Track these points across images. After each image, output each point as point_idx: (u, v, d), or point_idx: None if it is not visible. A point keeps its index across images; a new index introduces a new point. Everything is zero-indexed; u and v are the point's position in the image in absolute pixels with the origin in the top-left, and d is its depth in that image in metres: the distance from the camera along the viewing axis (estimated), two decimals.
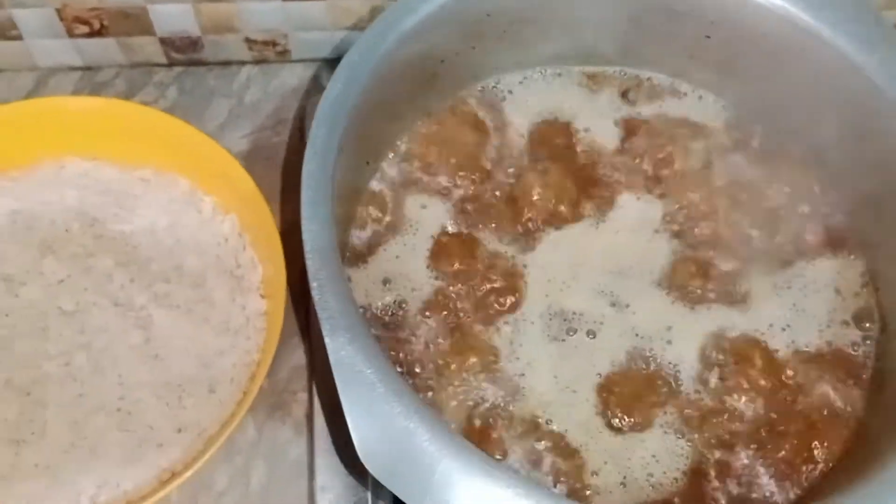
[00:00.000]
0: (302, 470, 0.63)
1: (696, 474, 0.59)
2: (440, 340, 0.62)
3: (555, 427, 0.61)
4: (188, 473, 0.56)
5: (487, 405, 0.60)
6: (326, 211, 0.53)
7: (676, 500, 0.58)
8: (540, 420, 0.61)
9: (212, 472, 0.63)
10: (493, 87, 0.73)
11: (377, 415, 0.48)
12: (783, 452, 0.59)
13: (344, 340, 0.49)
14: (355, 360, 0.49)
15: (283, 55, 0.79)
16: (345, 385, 0.48)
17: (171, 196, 0.69)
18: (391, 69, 0.61)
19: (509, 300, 0.64)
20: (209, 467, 0.62)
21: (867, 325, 0.64)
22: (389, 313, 0.64)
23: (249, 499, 0.63)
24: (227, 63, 0.80)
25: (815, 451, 0.59)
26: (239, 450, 0.64)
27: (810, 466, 0.59)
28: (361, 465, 0.60)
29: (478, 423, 0.60)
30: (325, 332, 0.49)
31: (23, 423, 0.59)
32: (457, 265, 0.65)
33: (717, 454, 0.60)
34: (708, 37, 0.67)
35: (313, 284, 0.51)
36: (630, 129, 0.71)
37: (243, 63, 0.80)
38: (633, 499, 0.59)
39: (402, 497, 0.47)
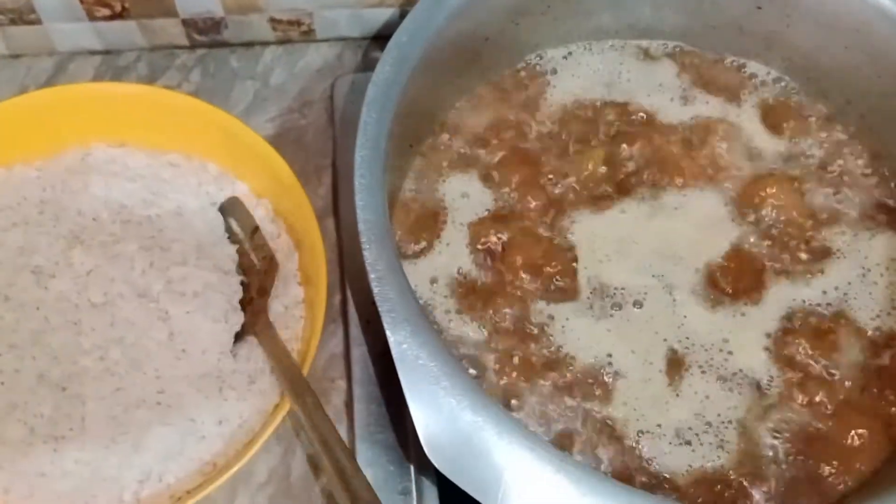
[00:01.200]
0: None
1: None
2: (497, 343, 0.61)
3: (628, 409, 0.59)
4: (236, 467, 0.55)
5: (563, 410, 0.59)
6: (381, 199, 0.52)
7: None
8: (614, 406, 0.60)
9: (251, 463, 0.61)
10: (538, 62, 0.71)
11: (443, 410, 0.47)
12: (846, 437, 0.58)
13: (406, 333, 0.48)
14: (419, 354, 0.48)
15: (308, 35, 0.78)
16: (409, 379, 0.47)
17: (202, 180, 0.67)
18: (438, 49, 0.60)
19: (562, 285, 0.63)
20: (249, 460, 0.61)
21: None
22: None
23: (290, 489, 0.62)
24: (250, 44, 0.79)
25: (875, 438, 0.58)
26: (278, 440, 0.63)
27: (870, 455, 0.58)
28: (406, 453, 0.60)
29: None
30: (386, 326, 0.48)
31: (60, 419, 0.58)
32: (507, 258, 0.63)
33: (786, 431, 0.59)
34: (760, 7, 0.66)
35: (372, 276, 0.49)
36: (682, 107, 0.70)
37: (267, 44, 0.79)
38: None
39: (470, 492, 0.46)
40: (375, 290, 0.49)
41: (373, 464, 0.61)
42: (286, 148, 0.72)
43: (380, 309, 0.48)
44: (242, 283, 0.64)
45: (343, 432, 0.63)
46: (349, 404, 0.64)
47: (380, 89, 0.56)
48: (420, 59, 0.58)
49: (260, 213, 0.67)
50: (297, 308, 0.64)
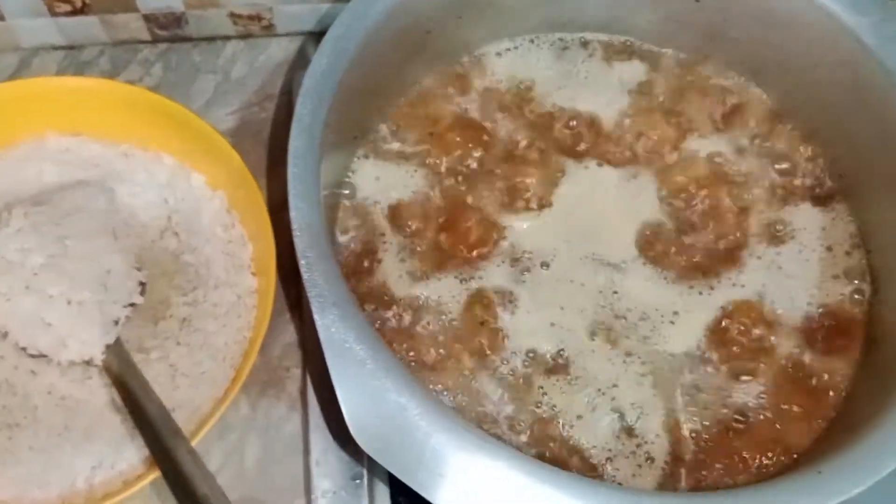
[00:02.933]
0: (297, 446, 0.63)
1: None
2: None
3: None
4: None
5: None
6: (314, 188, 0.53)
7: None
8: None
9: (206, 451, 0.63)
10: (481, 55, 0.72)
11: (368, 391, 0.48)
12: (774, 418, 0.59)
13: (333, 317, 0.49)
14: (345, 337, 0.49)
15: (269, 29, 0.79)
16: (335, 362, 0.48)
17: (156, 171, 0.68)
18: (377, 41, 0.61)
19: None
20: (203, 446, 0.61)
21: (857, 282, 0.64)
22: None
23: (244, 476, 0.63)
24: (211, 39, 0.79)
25: (804, 417, 0.59)
26: (233, 427, 0.64)
27: (798, 432, 0.59)
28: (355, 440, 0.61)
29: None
30: (314, 310, 0.49)
31: (15, 408, 0.59)
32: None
33: (709, 418, 0.60)
34: (697, 1, 0.67)
35: (302, 262, 0.50)
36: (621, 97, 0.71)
37: (228, 38, 0.79)
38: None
39: (394, 472, 0.47)
40: (305, 276, 0.50)
41: (326, 450, 0.62)
42: (246, 141, 0.73)
43: (308, 294, 0.49)
44: (141, 283, 0.63)
45: (297, 419, 0.64)
46: (304, 392, 0.65)
47: (315, 81, 0.57)
48: (358, 52, 0.59)
49: (215, 204, 0.67)
50: (250, 297, 0.64)
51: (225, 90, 0.77)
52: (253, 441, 0.64)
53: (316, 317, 0.49)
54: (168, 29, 0.77)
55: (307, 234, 0.51)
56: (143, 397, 0.57)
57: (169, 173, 0.68)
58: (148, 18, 0.76)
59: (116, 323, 0.60)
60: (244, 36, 0.79)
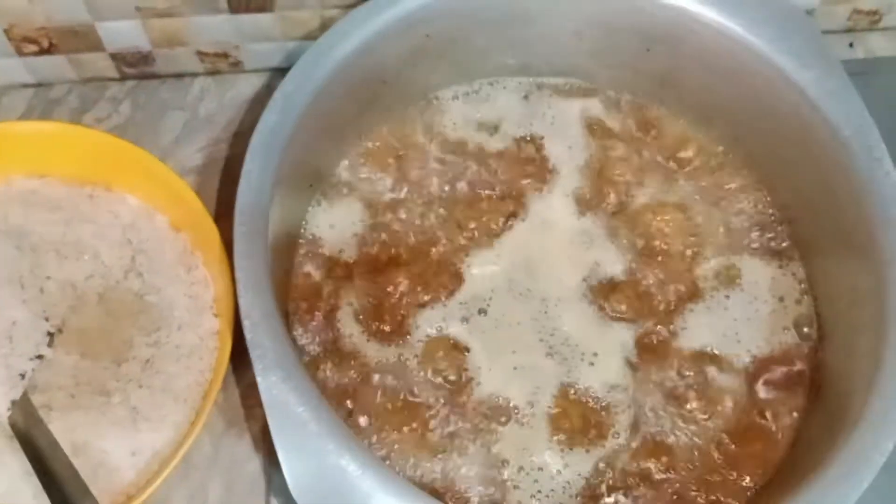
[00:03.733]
0: (259, 485, 0.64)
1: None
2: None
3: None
4: (143, 497, 0.57)
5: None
6: (260, 246, 0.53)
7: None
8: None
9: (168, 492, 0.63)
10: (436, 101, 0.73)
11: (310, 453, 0.49)
12: (721, 465, 0.60)
13: (276, 379, 0.50)
14: (287, 399, 0.49)
15: (236, 66, 0.79)
16: (277, 424, 0.49)
17: (119, 212, 0.69)
18: (330, 95, 0.61)
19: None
20: (165, 487, 0.61)
21: (806, 330, 0.65)
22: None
23: None
24: (180, 75, 0.80)
25: (752, 463, 0.60)
26: (195, 467, 0.64)
27: (747, 478, 0.59)
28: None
29: None
30: (256, 372, 0.50)
31: None
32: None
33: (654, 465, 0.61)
34: (648, 50, 0.68)
35: (245, 323, 0.51)
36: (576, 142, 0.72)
37: (196, 75, 0.80)
38: None
39: None
40: (248, 336, 0.51)
41: (287, 489, 0.62)
42: (214, 178, 0.74)
43: (251, 355, 0.50)
44: (50, 334, 0.62)
45: (260, 458, 0.65)
46: (267, 431, 0.65)
47: (264, 138, 0.57)
48: (309, 107, 0.59)
49: (179, 245, 0.68)
50: (212, 339, 0.65)
51: (193, 127, 0.78)
52: (216, 481, 0.64)
53: (258, 378, 0.50)
54: (136, 66, 0.78)
55: (252, 293, 0.52)
56: (51, 456, 0.55)
57: (133, 214, 0.69)
58: (115, 57, 0.77)
59: (23, 376, 0.59)
60: (212, 72, 0.80)
